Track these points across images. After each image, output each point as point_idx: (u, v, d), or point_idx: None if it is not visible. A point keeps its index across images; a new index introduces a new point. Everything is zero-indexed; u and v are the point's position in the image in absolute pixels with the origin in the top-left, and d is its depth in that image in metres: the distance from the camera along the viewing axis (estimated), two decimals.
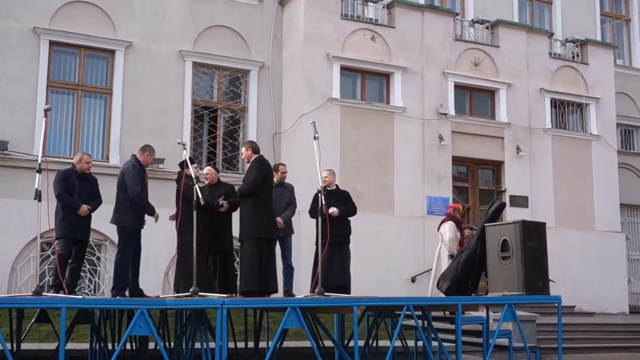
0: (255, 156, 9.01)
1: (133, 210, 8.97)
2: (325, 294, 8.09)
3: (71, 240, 8.93)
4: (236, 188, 10.39)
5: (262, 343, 9.71)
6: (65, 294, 8.16)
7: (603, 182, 17.82)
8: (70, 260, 9.00)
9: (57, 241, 8.92)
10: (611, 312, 17.07)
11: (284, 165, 10.62)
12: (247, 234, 8.71)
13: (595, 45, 18.58)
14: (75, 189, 9.02)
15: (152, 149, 9.39)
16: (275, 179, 10.29)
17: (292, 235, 10.47)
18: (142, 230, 9.24)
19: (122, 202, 9.02)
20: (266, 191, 8.93)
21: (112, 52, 14.51)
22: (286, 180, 10.46)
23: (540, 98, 17.55)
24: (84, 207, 9.00)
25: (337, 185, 10.37)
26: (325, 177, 9.38)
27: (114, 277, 9.01)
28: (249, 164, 9.17)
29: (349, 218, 10.25)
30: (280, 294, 9.55)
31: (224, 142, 15.50)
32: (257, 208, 8.70)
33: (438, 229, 13.90)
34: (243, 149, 9.22)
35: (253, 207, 8.72)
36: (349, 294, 9.66)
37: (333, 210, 9.56)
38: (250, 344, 9.51)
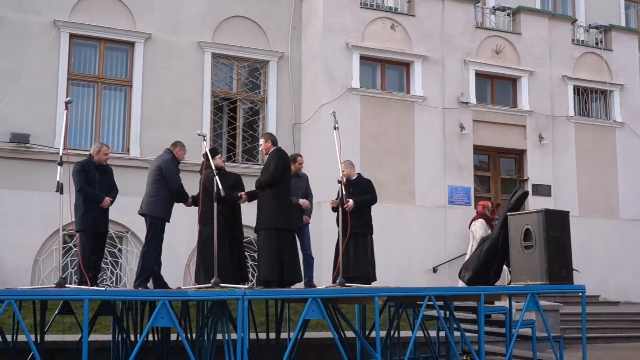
0: (274, 148, 8.97)
1: (169, 202, 9.00)
2: (347, 284, 8.07)
3: (92, 234, 8.90)
4: (253, 180, 10.47)
5: (284, 334, 9.65)
6: (88, 286, 8.18)
7: (627, 169, 17.60)
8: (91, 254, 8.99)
9: (77, 234, 8.89)
10: (636, 301, 16.84)
11: (301, 156, 10.58)
12: (266, 224, 8.67)
13: (619, 31, 18.32)
14: (95, 181, 8.94)
15: (182, 144, 9.38)
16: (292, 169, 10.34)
17: (309, 225, 10.42)
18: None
19: (157, 193, 8.99)
20: (285, 183, 8.87)
21: (132, 44, 14.54)
22: (302, 171, 10.41)
23: (563, 85, 17.35)
24: (107, 200, 8.97)
25: (359, 174, 10.24)
26: (343, 170, 9.29)
27: (140, 268, 8.94)
28: (267, 156, 9.12)
29: (371, 207, 10.11)
30: (301, 284, 9.52)
31: (244, 134, 15.49)
32: (276, 199, 8.65)
33: (469, 227, 13.84)
34: (262, 141, 9.17)
35: (272, 198, 8.66)
36: (371, 284, 9.60)
37: (347, 204, 9.44)
38: (272, 335, 9.48)
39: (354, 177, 9.96)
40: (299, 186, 10.20)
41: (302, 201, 9.93)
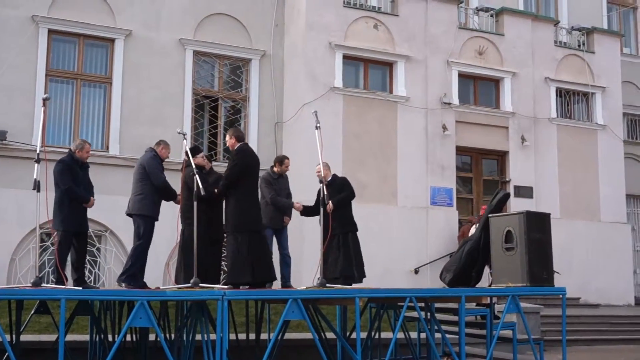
0: (238, 145, 8.68)
1: (154, 199, 8.88)
2: (327, 285, 7.99)
3: (72, 233, 8.69)
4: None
5: (264, 335, 9.62)
6: (65, 285, 8.02)
7: (609, 172, 17.67)
8: (74, 254, 8.75)
9: (57, 233, 8.67)
10: (617, 304, 16.95)
11: (287, 159, 10.46)
12: (231, 228, 8.46)
13: (601, 34, 18.39)
14: (78, 180, 8.72)
15: (167, 143, 9.25)
16: (276, 170, 10.25)
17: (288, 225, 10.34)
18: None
19: (142, 191, 8.88)
20: (249, 182, 8.55)
21: (112, 40, 14.35)
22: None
23: (546, 87, 17.38)
24: (92, 200, 8.77)
25: (334, 175, 10.17)
26: (318, 172, 9.20)
27: (129, 263, 8.81)
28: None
29: (352, 204, 10.05)
30: (277, 283, 9.43)
31: (225, 132, 15.29)
32: (239, 201, 8.39)
33: (467, 231, 13.81)
34: (227, 137, 8.91)
35: (235, 200, 8.42)
36: (357, 282, 9.51)
37: (328, 206, 9.34)
38: (252, 336, 9.42)
39: (329, 178, 9.86)
40: (284, 187, 10.17)
41: (297, 205, 9.94)
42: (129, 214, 9.00)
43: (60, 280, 8.20)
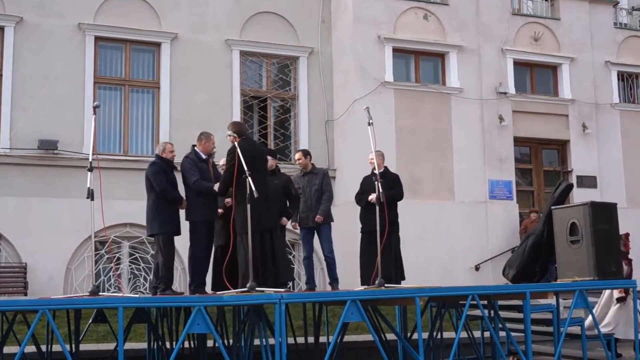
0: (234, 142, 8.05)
1: (201, 202, 8.55)
2: (386, 285, 7.74)
3: (172, 235, 8.56)
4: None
5: (322, 338, 9.40)
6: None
7: None
8: (161, 258, 8.58)
9: (159, 238, 8.46)
10: None
11: (299, 152, 10.32)
12: (238, 229, 7.96)
13: None
14: (170, 182, 8.59)
15: (207, 135, 8.86)
16: (300, 165, 10.16)
17: (331, 223, 10.14)
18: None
19: (187, 196, 8.67)
20: (243, 182, 7.69)
21: (158, 44, 14.30)
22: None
23: (606, 71, 16.86)
24: (185, 202, 8.60)
25: (386, 167, 9.82)
26: (371, 159, 8.88)
27: (190, 273, 8.70)
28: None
29: (397, 203, 9.71)
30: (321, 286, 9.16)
31: (275, 132, 15.20)
32: (238, 203, 7.86)
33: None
34: (228, 132, 8.24)
35: (235, 202, 7.91)
36: (395, 284, 9.16)
37: (372, 197, 9.05)
38: (310, 339, 9.21)
39: (382, 170, 9.49)
40: (312, 183, 9.96)
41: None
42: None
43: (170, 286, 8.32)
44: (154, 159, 8.86)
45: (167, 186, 8.46)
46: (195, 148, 8.83)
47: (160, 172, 8.47)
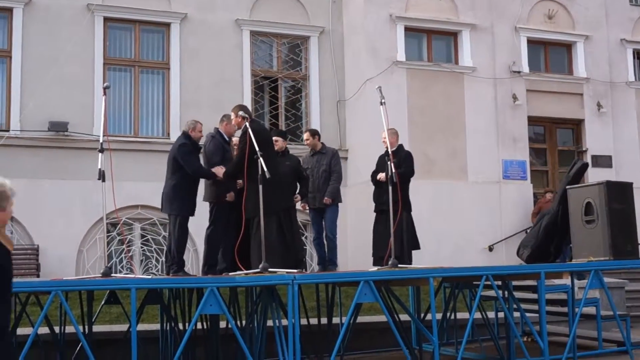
0: (244, 123, 8.02)
1: (215, 183, 8.50)
2: (400, 265, 7.69)
3: (188, 218, 8.51)
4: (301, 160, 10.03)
5: (335, 319, 9.33)
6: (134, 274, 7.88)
7: None
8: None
9: (175, 218, 8.39)
10: None
11: (307, 132, 10.26)
12: (249, 213, 7.92)
13: None
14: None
15: (229, 116, 8.68)
16: (308, 145, 10.09)
17: (341, 204, 10.07)
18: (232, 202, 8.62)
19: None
20: (254, 165, 7.60)
21: (167, 25, 14.17)
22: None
23: (622, 49, 16.57)
24: (220, 169, 8.39)
25: (400, 145, 9.70)
26: (384, 139, 8.80)
27: (204, 254, 8.67)
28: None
29: (408, 183, 9.68)
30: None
31: (286, 113, 15.07)
32: (249, 186, 7.83)
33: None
34: (232, 115, 8.33)
35: (248, 182, 7.88)
36: (406, 264, 9.09)
37: (381, 176, 8.96)
38: (324, 321, 9.11)
39: (394, 148, 9.38)
40: (321, 164, 9.86)
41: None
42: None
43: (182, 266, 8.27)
44: (180, 136, 8.68)
45: (200, 166, 8.42)
46: (219, 129, 8.76)
47: (190, 153, 8.38)
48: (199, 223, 8.79)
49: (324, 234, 9.96)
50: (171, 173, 8.43)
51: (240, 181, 8.37)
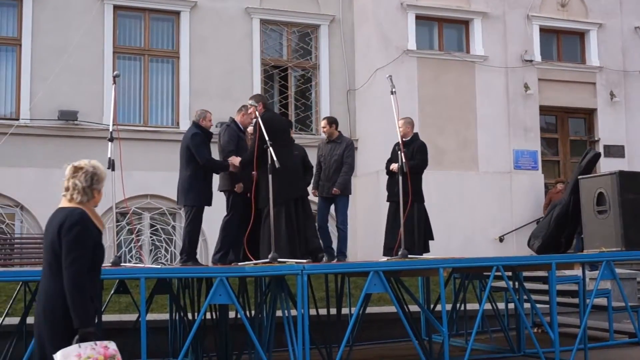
0: (264, 112, 7.99)
1: (230, 172, 8.44)
2: (410, 256, 7.63)
3: (203, 209, 8.46)
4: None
5: (344, 309, 9.31)
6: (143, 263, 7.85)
7: None
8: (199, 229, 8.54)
9: (191, 209, 8.32)
10: None
11: (324, 119, 10.14)
12: (261, 203, 7.93)
13: None
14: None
15: (247, 107, 8.59)
16: (324, 134, 10.00)
17: (350, 196, 9.94)
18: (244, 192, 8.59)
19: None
20: (265, 156, 7.56)
21: (177, 13, 14.13)
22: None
23: (636, 38, 16.44)
24: (236, 159, 8.33)
25: (415, 134, 9.61)
26: (400, 127, 8.71)
27: (218, 241, 8.60)
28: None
29: (418, 174, 9.45)
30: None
31: (296, 102, 15.01)
32: (262, 176, 7.79)
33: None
34: (251, 101, 8.18)
35: (259, 176, 7.89)
36: (418, 255, 9.03)
37: (393, 166, 8.95)
38: (333, 311, 9.10)
39: (409, 137, 9.31)
40: (334, 154, 9.71)
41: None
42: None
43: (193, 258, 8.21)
44: (191, 126, 8.59)
45: (210, 158, 8.34)
46: (235, 119, 8.72)
47: (202, 144, 8.30)
48: (209, 213, 8.74)
49: (335, 225, 9.90)
50: (186, 164, 8.35)
51: (254, 172, 8.33)
